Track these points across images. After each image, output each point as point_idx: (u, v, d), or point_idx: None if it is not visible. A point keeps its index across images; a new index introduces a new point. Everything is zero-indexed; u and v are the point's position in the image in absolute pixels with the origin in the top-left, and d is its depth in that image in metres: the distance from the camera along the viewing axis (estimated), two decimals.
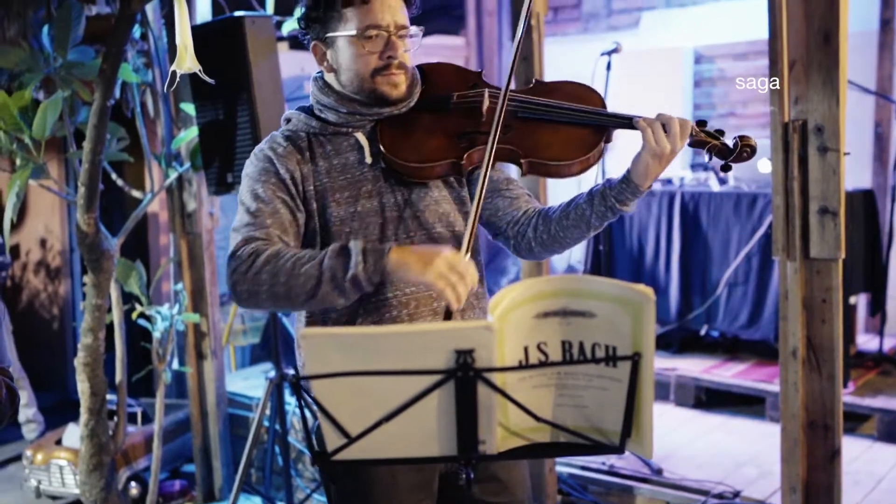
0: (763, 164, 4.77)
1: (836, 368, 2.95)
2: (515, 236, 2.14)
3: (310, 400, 1.54)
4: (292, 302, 1.84)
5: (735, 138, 2.04)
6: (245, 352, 5.99)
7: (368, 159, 2.03)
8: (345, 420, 1.48)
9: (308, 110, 2.11)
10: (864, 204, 4.82)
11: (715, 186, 5.13)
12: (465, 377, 1.42)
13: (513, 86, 2.01)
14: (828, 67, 2.82)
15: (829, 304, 2.93)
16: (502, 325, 1.43)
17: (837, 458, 2.97)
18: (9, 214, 3.44)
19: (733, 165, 2.06)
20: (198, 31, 3.23)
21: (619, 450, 1.59)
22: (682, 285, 5.18)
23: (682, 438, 4.41)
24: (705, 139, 2.03)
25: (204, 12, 4.36)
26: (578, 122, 2.03)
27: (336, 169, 2.02)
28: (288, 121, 2.12)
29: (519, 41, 2.04)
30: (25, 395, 5.45)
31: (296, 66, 5.92)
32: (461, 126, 2.05)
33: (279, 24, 4.09)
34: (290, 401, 4.48)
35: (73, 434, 4.31)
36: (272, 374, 3.92)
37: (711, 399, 4.87)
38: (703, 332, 5.22)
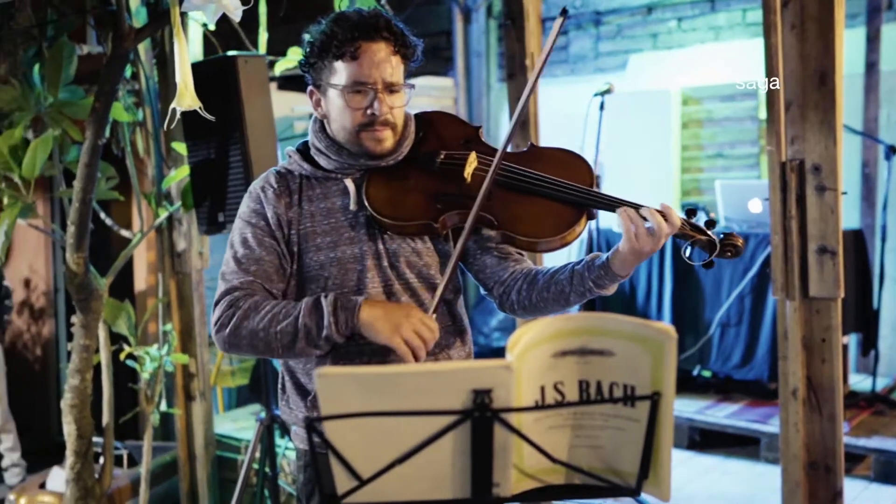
0: (754, 204, 4.78)
1: (837, 408, 2.93)
2: (500, 296, 2.12)
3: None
4: (271, 354, 1.94)
5: (720, 234, 1.94)
6: (232, 393, 5.91)
7: (353, 206, 2.03)
8: (356, 461, 1.44)
9: (304, 150, 2.11)
10: (853, 243, 4.84)
11: None
12: (482, 418, 1.39)
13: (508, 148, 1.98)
14: (824, 108, 2.84)
15: (828, 343, 2.92)
16: (520, 365, 1.40)
17: (839, 499, 2.95)
18: None
19: (715, 262, 1.96)
20: (191, 70, 3.21)
21: (635, 492, 1.56)
22: (675, 325, 5.14)
23: (677, 481, 4.36)
24: (690, 233, 1.92)
25: (196, 52, 4.35)
26: (560, 198, 1.96)
27: (321, 213, 2.03)
28: (288, 156, 2.13)
29: (518, 116, 2.00)
30: (11, 439, 5.34)
31: (285, 106, 5.92)
32: (442, 187, 2.01)
33: (272, 64, 4.09)
34: (280, 443, 4.41)
35: (58, 478, 4.21)
36: (262, 415, 3.85)
37: (705, 440, 4.84)
38: (695, 372, 5.21)
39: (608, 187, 5.57)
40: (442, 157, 2.03)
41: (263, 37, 4.09)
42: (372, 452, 1.43)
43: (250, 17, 4.09)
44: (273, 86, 5.63)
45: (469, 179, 1.98)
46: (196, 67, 3.77)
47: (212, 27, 3.56)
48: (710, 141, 6.26)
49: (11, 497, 4.35)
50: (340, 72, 1.95)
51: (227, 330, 1.92)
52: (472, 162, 1.99)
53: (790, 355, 2.96)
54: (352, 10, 1.98)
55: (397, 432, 1.41)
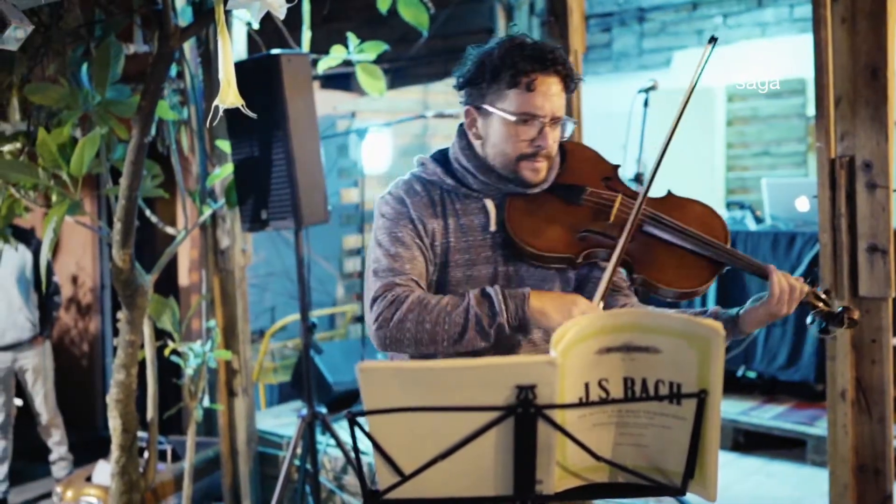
0: (801, 202, 4.71)
1: (887, 410, 2.87)
2: None
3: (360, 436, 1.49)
4: (436, 346, 1.89)
5: (841, 307, 2.00)
6: (274, 390, 5.95)
7: (493, 227, 2.02)
8: (399, 457, 1.43)
9: (444, 163, 2.08)
10: None
11: (752, 225, 5.07)
12: (525, 414, 1.37)
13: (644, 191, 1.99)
14: (875, 103, 2.78)
15: (879, 344, 2.86)
16: (564, 361, 1.38)
17: (889, 503, 2.88)
18: (46, 250, 3.44)
19: (831, 331, 2.03)
20: (234, 68, 3.24)
21: (680, 491, 1.53)
22: None
23: (720, 482, 4.29)
24: (814, 302, 2.00)
25: (240, 50, 4.39)
26: (699, 252, 1.99)
27: (461, 229, 2.02)
28: (423, 165, 2.10)
29: (660, 158, 2.00)
30: (59, 434, 5.43)
31: (328, 104, 5.95)
32: (586, 223, 2.00)
33: (315, 63, 4.10)
34: (322, 440, 4.43)
35: (104, 471, 4.27)
36: (304, 412, 3.87)
37: (750, 442, 4.76)
38: (739, 372, 5.13)
39: (653, 185, 5.51)
40: (588, 193, 2.03)
41: (307, 35, 4.10)
42: (414, 448, 1.42)
43: (294, 16, 4.11)
44: (316, 84, 5.67)
45: (612, 219, 1.99)
46: (240, 65, 3.81)
47: (256, 26, 3.57)
48: (756, 138, 6.17)
49: (59, 489, 4.43)
50: (511, 99, 1.94)
51: (391, 324, 1.88)
52: (617, 204, 2.01)
53: (839, 356, 2.90)
54: (521, 35, 1.98)
55: (439, 428, 1.40)
